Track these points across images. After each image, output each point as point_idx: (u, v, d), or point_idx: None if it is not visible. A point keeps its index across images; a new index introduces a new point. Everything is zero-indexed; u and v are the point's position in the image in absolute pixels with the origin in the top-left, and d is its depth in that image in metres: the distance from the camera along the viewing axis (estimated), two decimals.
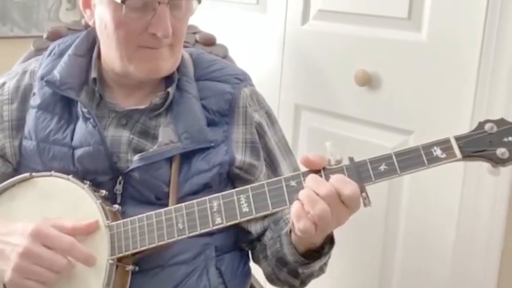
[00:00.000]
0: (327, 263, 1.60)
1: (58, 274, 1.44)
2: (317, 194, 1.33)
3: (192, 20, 1.67)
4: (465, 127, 2.04)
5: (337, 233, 1.48)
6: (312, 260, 1.52)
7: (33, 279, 1.43)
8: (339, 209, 1.34)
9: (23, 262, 1.41)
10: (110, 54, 1.64)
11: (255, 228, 1.71)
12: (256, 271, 1.82)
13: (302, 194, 1.35)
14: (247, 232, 1.72)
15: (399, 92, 2.30)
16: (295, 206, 1.36)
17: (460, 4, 2.09)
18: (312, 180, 1.37)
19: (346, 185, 1.34)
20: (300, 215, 1.34)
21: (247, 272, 1.81)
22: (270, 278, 1.71)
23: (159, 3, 1.53)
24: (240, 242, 1.76)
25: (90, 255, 1.47)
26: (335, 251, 1.53)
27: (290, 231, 1.51)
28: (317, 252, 1.51)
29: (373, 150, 2.27)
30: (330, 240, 1.51)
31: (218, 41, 2.17)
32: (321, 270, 1.61)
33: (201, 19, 1.97)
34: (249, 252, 1.81)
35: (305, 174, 1.41)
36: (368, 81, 2.36)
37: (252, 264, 1.83)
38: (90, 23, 1.68)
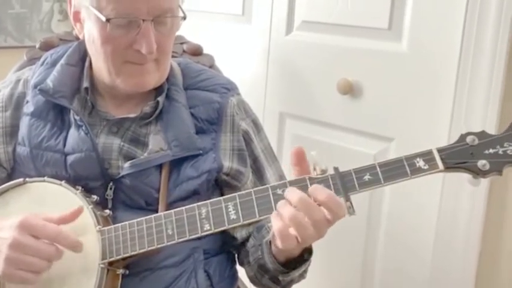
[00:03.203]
0: (307, 269, 1.60)
1: (49, 262, 1.42)
2: (304, 214, 1.32)
3: (180, 31, 1.66)
4: (444, 134, 2.06)
5: None
6: (291, 269, 1.52)
7: (25, 269, 1.41)
8: (323, 226, 1.34)
9: (12, 253, 1.40)
10: (99, 67, 1.64)
11: (240, 234, 1.72)
12: (243, 274, 1.82)
13: (287, 214, 1.33)
14: (233, 238, 1.72)
15: (380, 101, 2.30)
16: (277, 225, 1.34)
17: (439, 16, 2.10)
18: (299, 200, 1.33)
19: (338, 207, 1.34)
20: (285, 236, 1.34)
21: (234, 274, 1.81)
22: (253, 281, 1.71)
23: (143, 20, 1.52)
24: (227, 245, 1.75)
25: (76, 241, 1.45)
26: (318, 252, 1.53)
27: (271, 241, 1.51)
28: (296, 260, 1.50)
29: (355, 157, 2.30)
30: (308, 249, 1.51)
31: (205, 51, 2.17)
32: (301, 276, 1.61)
33: (188, 30, 1.97)
34: (235, 255, 1.81)
35: (291, 183, 1.40)
36: (350, 89, 2.36)
37: (238, 266, 1.82)
38: (80, 36, 1.67)
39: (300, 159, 1.39)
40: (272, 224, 1.37)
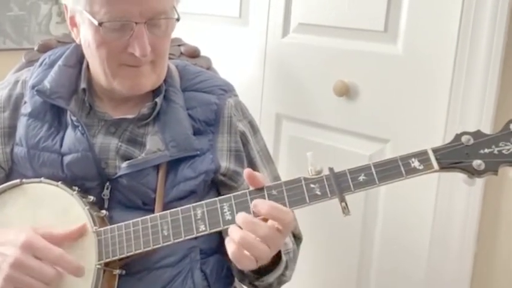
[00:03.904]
0: (286, 273, 1.62)
1: (46, 285, 1.42)
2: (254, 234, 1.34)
3: (177, 33, 1.65)
4: (439, 136, 2.05)
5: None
6: (263, 275, 1.55)
7: None
8: (275, 238, 1.35)
9: (13, 272, 1.40)
10: (95, 70, 1.64)
11: None
12: None
13: (236, 237, 1.34)
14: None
15: (376, 102, 2.30)
16: (230, 249, 1.35)
17: (434, 18, 2.10)
18: (243, 222, 1.35)
19: (282, 214, 1.35)
20: (239, 258, 1.35)
21: (231, 274, 1.79)
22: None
23: (136, 23, 1.51)
24: (223, 245, 1.74)
25: (79, 266, 1.45)
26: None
27: None
28: (268, 266, 1.52)
29: (350, 158, 2.29)
30: (279, 256, 1.52)
31: (202, 53, 2.16)
32: (280, 281, 1.63)
33: (186, 32, 1.96)
34: None
35: (286, 184, 1.40)
36: (346, 91, 2.35)
37: None
38: (77, 41, 1.66)
39: (252, 178, 1.41)
40: (227, 249, 1.37)
